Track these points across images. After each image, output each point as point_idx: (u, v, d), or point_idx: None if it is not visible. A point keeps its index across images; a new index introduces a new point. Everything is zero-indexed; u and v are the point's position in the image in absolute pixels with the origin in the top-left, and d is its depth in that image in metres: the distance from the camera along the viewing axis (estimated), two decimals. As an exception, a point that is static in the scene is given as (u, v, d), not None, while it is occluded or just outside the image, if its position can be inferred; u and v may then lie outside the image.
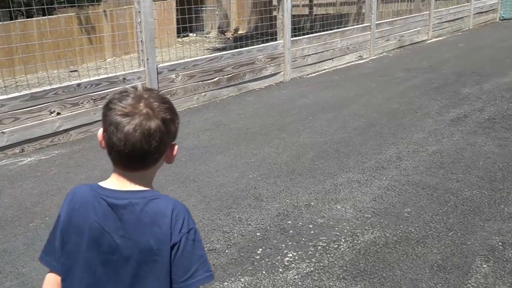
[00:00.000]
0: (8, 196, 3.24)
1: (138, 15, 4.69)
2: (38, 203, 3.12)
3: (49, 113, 4.24)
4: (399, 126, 4.50)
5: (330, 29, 7.78)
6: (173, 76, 5.24)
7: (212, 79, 5.71)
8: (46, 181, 3.49)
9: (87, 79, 4.52)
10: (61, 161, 3.89)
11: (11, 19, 11.49)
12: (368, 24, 8.40)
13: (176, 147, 1.13)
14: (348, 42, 7.94)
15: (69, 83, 4.38)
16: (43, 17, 11.46)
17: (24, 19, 10.78)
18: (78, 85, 4.41)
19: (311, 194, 3.14)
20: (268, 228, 2.72)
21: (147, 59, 4.89)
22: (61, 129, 4.34)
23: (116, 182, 1.07)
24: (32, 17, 11.67)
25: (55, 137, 4.32)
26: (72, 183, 3.43)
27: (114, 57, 11.56)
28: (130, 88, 1.06)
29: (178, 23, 10.95)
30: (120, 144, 1.01)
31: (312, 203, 3.01)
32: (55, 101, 4.27)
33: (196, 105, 5.54)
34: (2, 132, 3.96)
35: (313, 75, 7.14)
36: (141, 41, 4.82)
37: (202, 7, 13.78)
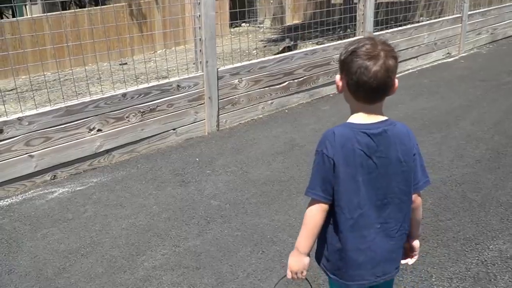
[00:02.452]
0: (26, 255, 2.44)
1: (198, 8, 3.76)
2: (63, 271, 2.29)
3: (88, 130, 3.43)
4: (540, 158, 3.34)
5: (417, 21, 6.56)
6: (236, 81, 4.31)
7: (280, 84, 4.73)
8: (77, 229, 2.66)
9: (135, 88, 3.66)
10: (99, 196, 3.06)
11: (63, 9, 11.03)
12: (459, 15, 7.09)
13: (396, 80, 1.32)
14: (435, 37, 6.69)
15: (112, 93, 3.55)
16: (95, 7, 10.92)
17: (76, 10, 10.25)
18: (124, 95, 3.57)
19: (453, 280, 2.10)
20: None
21: (206, 62, 3.97)
22: (101, 150, 3.53)
23: (365, 118, 1.32)
24: (84, 7, 11.15)
25: (94, 160, 3.51)
26: (110, 236, 2.57)
27: (165, 49, 10.86)
28: (361, 38, 1.32)
29: (230, 13, 10.07)
30: (370, 81, 1.26)
31: (459, 301, 1.98)
32: (96, 115, 3.45)
33: (261, 116, 4.59)
34: (30, 155, 3.18)
35: (395, 76, 5.98)
36: (200, 39, 3.90)
37: (257, -5, 12.78)
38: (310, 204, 1.36)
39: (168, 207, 2.87)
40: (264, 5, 13.52)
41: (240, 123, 4.42)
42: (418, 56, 6.47)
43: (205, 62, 3.98)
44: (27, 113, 3.18)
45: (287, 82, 4.79)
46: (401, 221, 1.36)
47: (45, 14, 9.71)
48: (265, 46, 9.86)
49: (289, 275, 1.39)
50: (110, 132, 3.56)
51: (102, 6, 9.92)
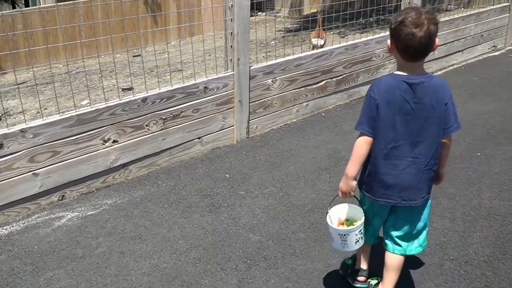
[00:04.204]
0: (26, 310, 1.96)
1: (230, -3, 3.22)
2: (70, 337, 1.81)
3: (102, 142, 2.94)
4: None
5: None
6: (269, 81, 3.76)
7: (317, 83, 4.17)
8: (88, 272, 2.17)
9: (156, 91, 3.14)
10: (114, 224, 2.57)
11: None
12: (508, 3, 6.40)
13: (437, 39, 1.63)
14: (482, 28, 6.03)
15: (131, 98, 3.04)
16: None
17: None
18: (144, 100, 3.06)
19: None
20: None
21: (238, 59, 3.44)
22: (117, 164, 3.03)
23: (407, 71, 1.66)
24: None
25: (108, 176, 3.02)
26: (128, 285, 2.08)
27: (179, 39, 10.36)
28: (407, 9, 1.64)
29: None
30: (416, 45, 1.58)
31: None
32: (112, 124, 2.95)
33: (295, 120, 4.05)
34: (34, 173, 2.70)
35: (439, 73, 5.37)
36: (231, 33, 3.35)
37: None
38: (359, 137, 1.70)
39: (197, 243, 2.37)
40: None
41: (272, 129, 3.89)
42: (464, 49, 5.84)
43: (236, 59, 3.44)
44: (32, 123, 2.68)
45: (324, 81, 4.23)
46: (429, 158, 1.68)
47: (57, 3, 9.26)
48: (283, 37, 9.26)
49: (340, 195, 1.79)
50: (127, 143, 3.06)
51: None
